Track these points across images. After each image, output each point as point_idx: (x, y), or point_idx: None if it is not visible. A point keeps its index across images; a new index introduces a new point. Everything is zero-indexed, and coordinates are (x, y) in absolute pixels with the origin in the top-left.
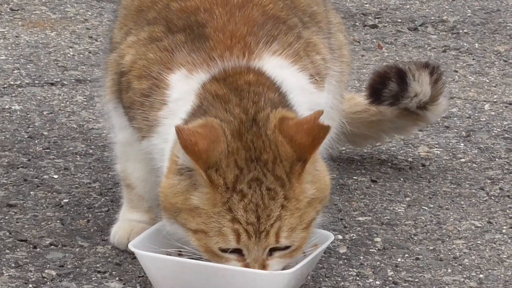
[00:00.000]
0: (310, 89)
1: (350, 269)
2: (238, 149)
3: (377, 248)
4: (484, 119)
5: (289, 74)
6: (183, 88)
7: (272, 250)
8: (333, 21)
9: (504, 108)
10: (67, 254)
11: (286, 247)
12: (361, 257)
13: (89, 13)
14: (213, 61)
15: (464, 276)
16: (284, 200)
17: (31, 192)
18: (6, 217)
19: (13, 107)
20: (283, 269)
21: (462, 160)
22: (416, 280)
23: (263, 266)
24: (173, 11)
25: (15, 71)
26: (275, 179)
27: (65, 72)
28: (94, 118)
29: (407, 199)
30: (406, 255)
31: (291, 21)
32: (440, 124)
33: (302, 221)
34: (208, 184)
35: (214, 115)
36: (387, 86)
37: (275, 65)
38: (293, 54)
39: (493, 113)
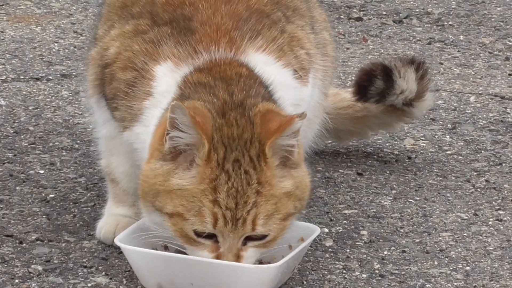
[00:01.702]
0: (293, 84)
1: (337, 262)
2: (223, 125)
3: (363, 241)
4: (469, 111)
5: (273, 71)
6: (169, 81)
7: (246, 240)
8: (318, 19)
9: (489, 100)
10: (53, 249)
11: (262, 237)
12: (348, 250)
13: (74, 8)
14: (198, 54)
15: (451, 268)
16: (258, 185)
17: (17, 188)
18: None
19: None
20: (263, 262)
21: (448, 152)
22: (402, 272)
23: (238, 257)
24: (158, 5)
25: (0, 66)
26: (250, 160)
27: (50, 67)
28: (80, 113)
29: (393, 191)
30: (393, 247)
31: (275, 15)
32: (425, 116)
33: (278, 211)
34: (205, 157)
35: (197, 98)
36: (373, 83)
37: (260, 62)
38: (277, 49)
39: (478, 105)
